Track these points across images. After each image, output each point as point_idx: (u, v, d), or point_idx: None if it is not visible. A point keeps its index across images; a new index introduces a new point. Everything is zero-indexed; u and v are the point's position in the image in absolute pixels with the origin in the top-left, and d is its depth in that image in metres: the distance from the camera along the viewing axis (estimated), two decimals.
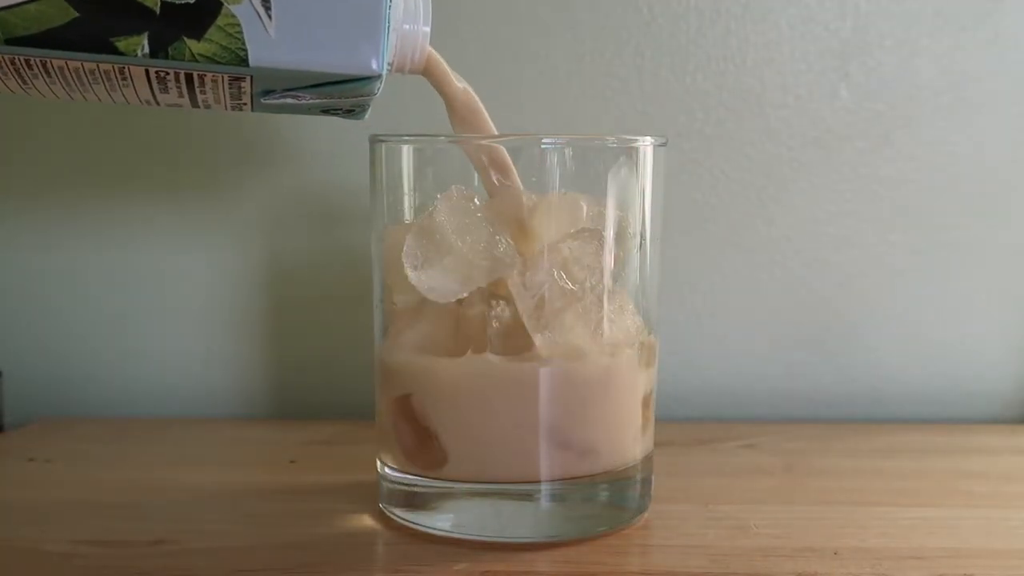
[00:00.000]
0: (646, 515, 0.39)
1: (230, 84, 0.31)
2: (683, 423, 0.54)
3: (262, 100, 0.33)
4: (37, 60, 0.30)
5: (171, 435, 0.52)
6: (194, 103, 0.33)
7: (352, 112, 0.35)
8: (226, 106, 0.34)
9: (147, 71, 0.30)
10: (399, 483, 0.39)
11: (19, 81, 0.31)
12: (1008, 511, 0.41)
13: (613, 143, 0.38)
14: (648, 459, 0.40)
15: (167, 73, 0.30)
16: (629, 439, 0.38)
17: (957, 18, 0.54)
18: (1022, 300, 0.56)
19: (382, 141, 0.38)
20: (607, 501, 0.38)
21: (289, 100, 0.33)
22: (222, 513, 0.40)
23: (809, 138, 0.55)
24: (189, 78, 0.31)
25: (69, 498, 0.42)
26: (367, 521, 0.39)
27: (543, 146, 0.36)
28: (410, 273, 0.36)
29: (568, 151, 0.36)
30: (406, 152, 0.38)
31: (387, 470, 0.39)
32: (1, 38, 0.28)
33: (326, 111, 0.35)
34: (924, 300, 0.56)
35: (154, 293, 0.57)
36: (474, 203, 0.36)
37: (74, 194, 0.56)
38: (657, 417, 0.41)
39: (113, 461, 0.48)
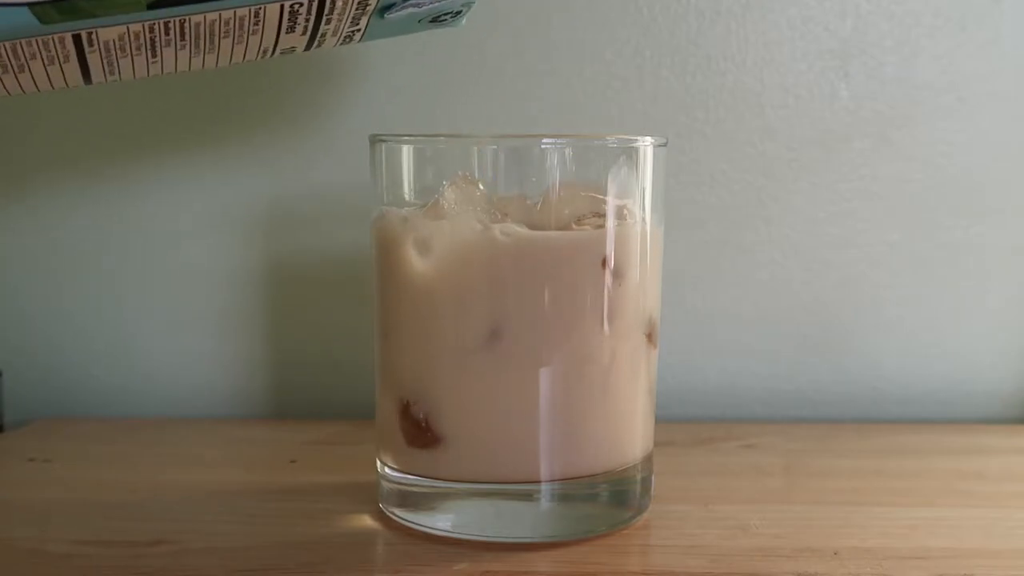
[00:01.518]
0: (646, 515, 0.39)
1: (358, 3, 0.32)
2: (683, 423, 0.54)
3: (384, 16, 0.34)
4: (176, 21, 0.30)
5: (171, 435, 0.52)
6: (311, 40, 0.34)
7: (459, 14, 0.36)
8: (340, 36, 0.34)
9: (282, 7, 0.31)
10: (399, 483, 0.39)
11: (149, 52, 0.31)
12: (1008, 511, 0.41)
13: (613, 143, 0.38)
14: (648, 459, 0.40)
15: (301, 4, 0.31)
16: (629, 438, 0.38)
17: (957, 18, 0.54)
18: (1021, 300, 0.56)
19: (382, 141, 0.38)
20: (607, 501, 0.38)
21: (410, 8, 0.34)
22: (222, 513, 0.40)
23: (809, 138, 0.55)
24: (321, 5, 0.31)
25: (69, 498, 0.42)
26: (367, 521, 0.39)
27: (543, 146, 0.36)
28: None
29: (568, 151, 0.36)
30: (406, 152, 0.38)
31: (387, 470, 0.39)
32: (144, 3, 0.28)
33: (435, 19, 0.36)
34: (924, 300, 0.56)
35: (154, 293, 0.57)
36: (479, 188, 0.36)
37: (74, 194, 0.56)
38: (657, 417, 0.41)
39: (113, 461, 0.48)
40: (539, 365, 0.36)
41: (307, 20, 0.32)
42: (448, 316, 0.36)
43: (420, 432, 0.37)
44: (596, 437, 0.37)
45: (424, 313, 0.37)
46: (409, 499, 0.38)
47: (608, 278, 0.36)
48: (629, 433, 0.38)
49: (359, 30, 0.35)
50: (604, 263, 0.36)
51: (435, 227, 0.36)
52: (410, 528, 0.38)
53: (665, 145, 0.39)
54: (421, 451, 0.37)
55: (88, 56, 0.31)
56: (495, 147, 0.37)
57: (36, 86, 0.33)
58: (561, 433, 0.36)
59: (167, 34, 0.31)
